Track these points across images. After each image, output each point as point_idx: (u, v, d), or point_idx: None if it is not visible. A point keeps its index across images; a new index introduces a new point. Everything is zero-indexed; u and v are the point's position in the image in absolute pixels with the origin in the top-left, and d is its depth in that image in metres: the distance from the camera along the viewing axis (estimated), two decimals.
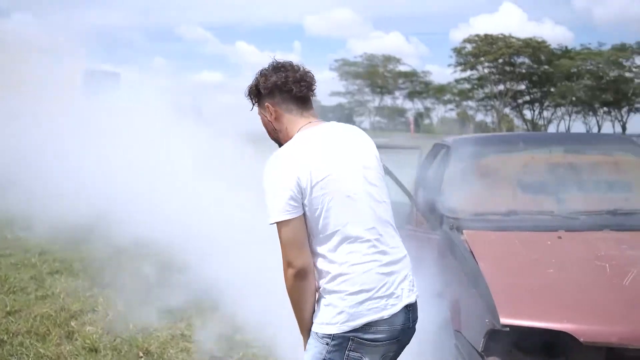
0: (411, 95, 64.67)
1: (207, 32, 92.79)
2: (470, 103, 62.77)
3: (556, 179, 4.10)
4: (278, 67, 2.09)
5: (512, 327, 2.61)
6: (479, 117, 63.72)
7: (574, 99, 55.33)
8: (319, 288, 2.01)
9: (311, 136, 2.04)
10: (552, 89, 56.66)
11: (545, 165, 4.19)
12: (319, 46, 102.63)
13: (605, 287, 2.79)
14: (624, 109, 55.74)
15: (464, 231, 3.50)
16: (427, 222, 4.00)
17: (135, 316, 4.44)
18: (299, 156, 1.97)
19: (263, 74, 2.10)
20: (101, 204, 5.89)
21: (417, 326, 2.12)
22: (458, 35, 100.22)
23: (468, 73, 59.41)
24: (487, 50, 55.27)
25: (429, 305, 2.75)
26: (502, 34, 55.39)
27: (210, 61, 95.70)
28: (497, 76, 57.64)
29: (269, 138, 2.23)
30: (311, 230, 1.97)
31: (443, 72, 79.64)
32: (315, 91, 2.14)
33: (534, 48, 54.46)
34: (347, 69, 63.23)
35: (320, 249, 1.98)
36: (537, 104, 59.79)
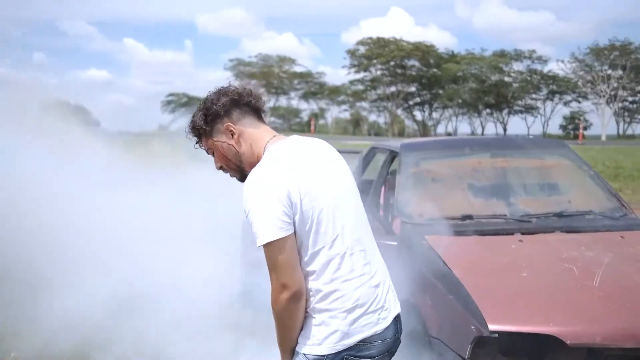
0: (306, 96, 65.11)
1: (92, 27, 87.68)
2: (364, 104, 64.36)
3: (503, 183, 4.24)
4: (222, 91, 1.99)
5: (499, 333, 2.64)
6: (372, 117, 65.59)
7: (460, 101, 58.48)
8: (308, 307, 1.89)
9: (285, 150, 1.92)
10: (440, 91, 59.51)
11: (492, 169, 4.32)
12: (212, 45, 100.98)
13: (578, 289, 2.90)
14: (505, 111, 59.71)
15: (426, 237, 3.51)
16: (383, 228, 3.98)
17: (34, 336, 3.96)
18: (283, 169, 1.84)
19: (211, 99, 1.98)
20: None
21: None
22: (349, 38, 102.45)
23: (361, 75, 60.89)
24: (379, 53, 56.88)
25: None
26: (393, 37, 57.31)
27: (96, 58, 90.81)
28: (389, 78, 59.49)
29: (225, 173, 2.04)
30: (301, 247, 1.85)
31: (336, 74, 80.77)
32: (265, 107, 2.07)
33: (424, 52, 56.81)
34: (242, 69, 62.43)
35: (310, 267, 1.86)
36: (426, 106, 62.56)
